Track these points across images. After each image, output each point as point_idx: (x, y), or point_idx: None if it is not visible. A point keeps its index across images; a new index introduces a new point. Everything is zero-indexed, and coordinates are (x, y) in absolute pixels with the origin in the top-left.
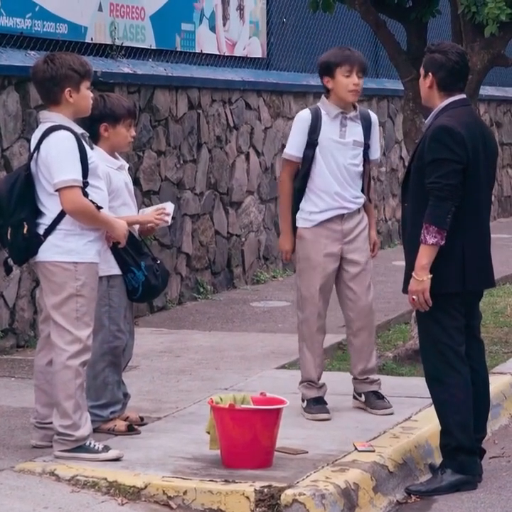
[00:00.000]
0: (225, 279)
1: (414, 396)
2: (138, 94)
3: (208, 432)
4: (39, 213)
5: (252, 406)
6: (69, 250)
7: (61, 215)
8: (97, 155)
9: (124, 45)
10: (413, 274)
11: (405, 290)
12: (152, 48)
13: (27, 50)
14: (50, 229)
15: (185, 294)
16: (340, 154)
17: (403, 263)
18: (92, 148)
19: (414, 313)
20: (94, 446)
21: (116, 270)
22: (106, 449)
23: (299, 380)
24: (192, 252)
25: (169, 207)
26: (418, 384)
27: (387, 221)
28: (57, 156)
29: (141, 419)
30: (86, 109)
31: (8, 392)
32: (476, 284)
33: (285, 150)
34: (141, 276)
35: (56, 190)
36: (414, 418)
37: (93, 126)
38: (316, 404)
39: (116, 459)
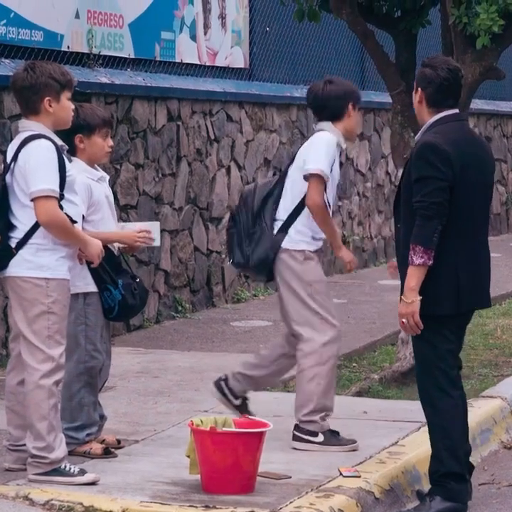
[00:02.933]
0: (204, 298)
1: (401, 420)
2: (116, 104)
3: (188, 456)
4: (11, 226)
5: (234, 429)
6: (40, 266)
7: (34, 229)
8: (76, 167)
9: (101, 53)
10: (402, 296)
11: None
12: (131, 57)
13: (1, 58)
14: (22, 242)
15: (163, 313)
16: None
17: (389, 282)
18: (70, 161)
19: (401, 335)
20: (70, 469)
21: (92, 287)
22: (82, 472)
23: (281, 401)
24: (170, 269)
25: (155, 228)
26: (405, 407)
27: (372, 239)
28: (35, 165)
29: (118, 441)
30: (66, 120)
31: None
32: (469, 305)
33: (318, 166)
34: (118, 294)
35: (32, 200)
36: (402, 443)
37: (68, 138)
38: (337, 435)
39: (93, 483)
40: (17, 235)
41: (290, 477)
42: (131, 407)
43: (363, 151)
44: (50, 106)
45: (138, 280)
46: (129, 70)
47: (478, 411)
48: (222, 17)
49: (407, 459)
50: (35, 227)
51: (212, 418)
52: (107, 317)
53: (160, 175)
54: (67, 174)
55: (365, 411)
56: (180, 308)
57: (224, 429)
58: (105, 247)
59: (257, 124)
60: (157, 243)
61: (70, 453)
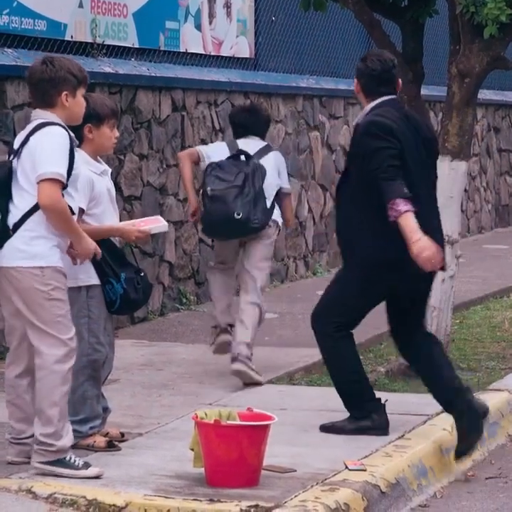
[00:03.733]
0: (209, 290)
1: (407, 413)
2: (119, 94)
3: (192, 449)
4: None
5: (238, 422)
6: (34, 255)
7: (28, 215)
8: (80, 158)
9: (105, 43)
10: (410, 242)
11: None
12: (135, 46)
13: (4, 47)
14: (15, 228)
15: (168, 305)
16: None
17: None
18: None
19: None
20: (75, 461)
21: (95, 280)
22: (86, 465)
23: (286, 394)
24: (175, 260)
25: (156, 228)
26: (412, 400)
27: None
28: (47, 147)
29: (122, 435)
30: (79, 116)
31: None
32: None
33: None
34: (120, 288)
35: (38, 182)
36: (408, 436)
37: (77, 128)
38: None
39: (97, 477)
40: (11, 220)
41: (295, 470)
42: (135, 399)
43: None
44: (67, 100)
45: (142, 274)
46: (133, 59)
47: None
48: (228, 6)
49: (413, 453)
50: (29, 213)
51: (217, 411)
52: (109, 310)
53: (164, 166)
54: (74, 166)
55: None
56: (184, 300)
57: (228, 422)
58: (107, 239)
59: None
60: (165, 228)
61: (74, 446)
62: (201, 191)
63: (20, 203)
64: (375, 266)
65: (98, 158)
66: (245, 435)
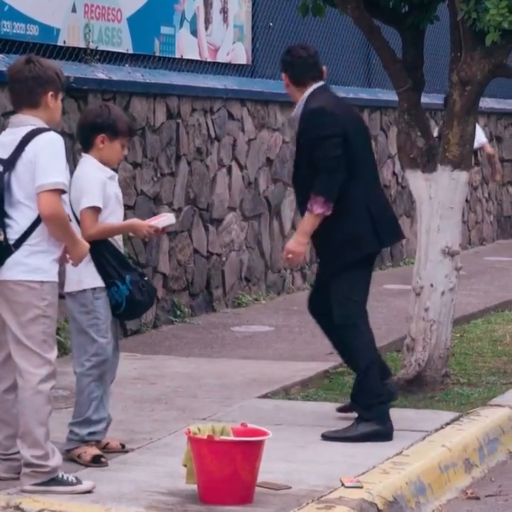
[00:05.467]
0: (203, 302)
1: (405, 429)
2: (113, 101)
3: (185, 465)
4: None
5: (232, 437)
6: (35, 268)
7: (31, 230)
8: (88, 162)
9: (98, 48)
10: (296, 237)
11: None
12: (129, 52)
13: None
14: (17, 244)
15: (161, 317)
16: None
17: (395, 286)
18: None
19: (406, 341)
20: (67, 478)
21: (100, 283)
22: (78, 480)
23: (282, 409)
24: (169, 271)
25: (163, 221)
26: (410, 416)
27: None
28: (48, 157)
29: (123, 446)
30: (57, 119)
31: None
32: (388, 241)
33: None
34: (125, 290)
35: (39, 193)
36: (406, 453)
37: (91, 134)
38: None
39: (90, 491)
40: (11, 236)
41: (290, 487)
42: (127, 414)
43: None
44: (51, 101)
45: (146, 278)
46: (127, 65)
47: (485, 420)
48: (224, 11)
49: (411, 470)
50: (32, 228)
51: (210, 426)
52: (115, 314)
53: (159, 174)
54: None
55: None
56: (178, 312)
57: (222, 437)
58: (107, 241)
59: (260, 123)
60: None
61: (68, 452)
62: None
63: (20, 219)
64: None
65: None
66: (239, 451)
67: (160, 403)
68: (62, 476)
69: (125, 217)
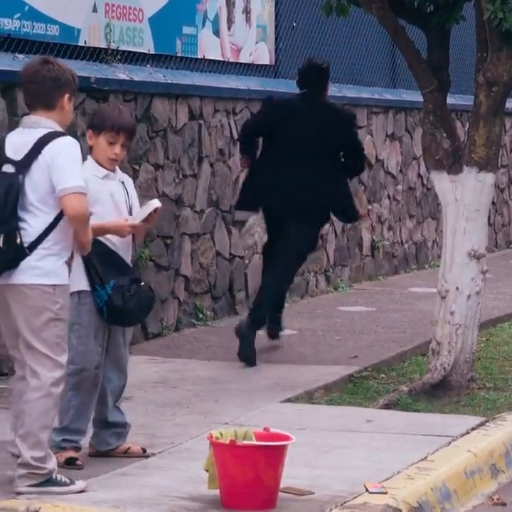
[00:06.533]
0: (226, 305)
1: (430, 434)
2: (134, 102)
3: (207, 470)
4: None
5: (254, 442)
6: (48, 272)
7: (46, 233)
8: (86, 162)
9: (120, 49)
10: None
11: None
12: (150, 52)
13: (15, 53)
14: (31, 248)
15: (183, 320)
16: None
17: (419, 289)
18: None
19: (431, 345)
20: (61, 479)
21: (85, 286)
22: (72, 480)
23: (305, 413)
24: (191, 274)
25: (140, 214)
26: (435, 421)
27: (403, 244)
28: (68, 163)
29: (144, 450)
30: (69, 122)
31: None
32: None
33: None
34: (104, 295)
35: (62, 196)
36: (431, 458)
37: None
38: None
39: (83, 491)
40: (25, 239)
41: (313, 493)
42: (148, 418)
43: (393, 152)
44: (67, 103)
45: (142, 284)
46: (148, 66)
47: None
48: (247, 11)
49: (436, 475)
50: (46, 232)
51: (233, 431)
52: (101, 318)
53: (180, 176)
54: None
55: (368, 420)
56: (201, 315)
57: (244, 442)
58: (100, 243)
59: None
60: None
61: None
62: None
63: (34, 222)
64: None
65: (116, 168)
66: (262, 456)
67: (181, 407)
68: (56, 476)
69: None
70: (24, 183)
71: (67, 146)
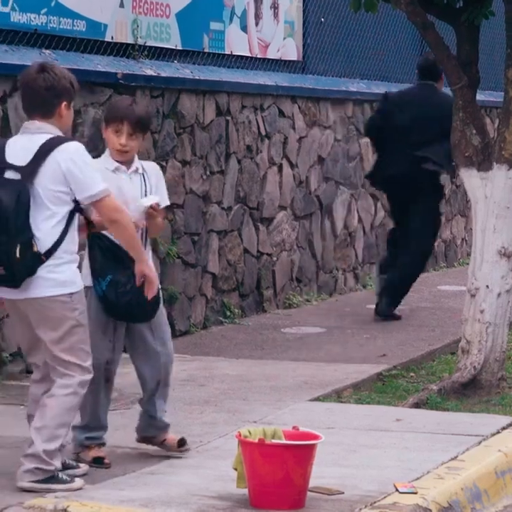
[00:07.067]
0: (254, 302)
1: (460, 433)
2: (162, 98)
3: (235, 469)
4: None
5: (283, 441)
6: (63, 282)
7: (59, 242)
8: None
9: (147, 44)
10: None
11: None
12: (178, 48)
13: (41, 48)
14: (48, 253)
15: (211, 318)
16: None
17: (449, 287)
18: None
19: (461, 343)
20: (62, 476)
21: (90, 282)
22: (72, 478)
23: (334, 412)
24: (218, 271)
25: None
26: (465, 420)
27: None
28: (84, 169)
29: (181, 443)
30: (68, 128)
31: (16, 421)
32: None
33: None
34: (100, 290)
35: (94, 202)
36: (461, 458)
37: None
38: None
39: (81, 488)
40: (41, 246)
41: (343, 493)
42: (176, 416)
43: None
44: (65, 111)
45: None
46: (175, 61)
47: None
48: (275, 7)
49: (466, 475)
50: (60, 239)
51: (261, 429)
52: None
53: (208, 172)
54: None
55: (397, 419)
56: (228, 313)
57: (273, 440)
58: (104, 237)
59: (311, 120)
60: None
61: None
62: None
63: (46, 229)
64: None
65: (136, 159)
66: (291, 455)
67: (209, 405)
68: (58, 474)
69: (174, 216)
70: (32, 190)
71: (79, 153)
